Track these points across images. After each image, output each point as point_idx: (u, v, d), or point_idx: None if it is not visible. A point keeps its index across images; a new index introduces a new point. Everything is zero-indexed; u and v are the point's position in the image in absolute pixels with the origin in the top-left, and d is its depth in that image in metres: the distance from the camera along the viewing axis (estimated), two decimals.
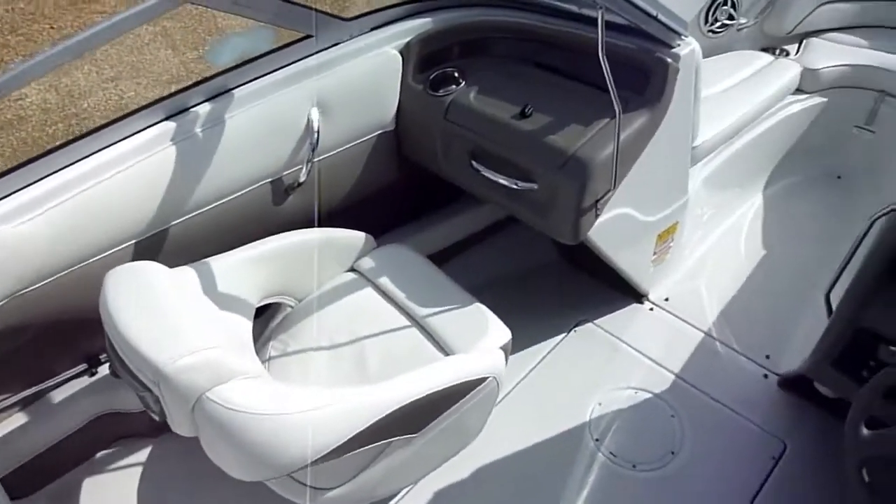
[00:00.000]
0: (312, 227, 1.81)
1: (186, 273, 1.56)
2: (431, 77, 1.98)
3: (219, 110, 1.71)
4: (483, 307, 1.76)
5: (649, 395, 2.10)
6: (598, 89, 1.73)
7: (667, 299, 2.39)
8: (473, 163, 1.90)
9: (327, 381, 1.65)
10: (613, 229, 1.94)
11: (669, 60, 1.75)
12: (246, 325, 1.61)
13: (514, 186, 1.81)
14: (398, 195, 2.21)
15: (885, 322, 1.38)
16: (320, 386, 1.62)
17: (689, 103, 1.93)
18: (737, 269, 2.49)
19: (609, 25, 1.51)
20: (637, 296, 2.38)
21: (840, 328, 1.44)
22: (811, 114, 2.69)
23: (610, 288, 2.37)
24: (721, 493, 1.87)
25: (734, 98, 2.47)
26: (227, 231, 1.81)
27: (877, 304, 1.39)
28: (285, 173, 1.88)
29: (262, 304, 1.76)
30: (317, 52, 1.81)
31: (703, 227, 2.58)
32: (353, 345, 1.72)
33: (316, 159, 1.90)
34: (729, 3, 2.63)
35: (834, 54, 2.66)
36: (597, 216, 1.81)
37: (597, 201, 1.76)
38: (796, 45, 2.78)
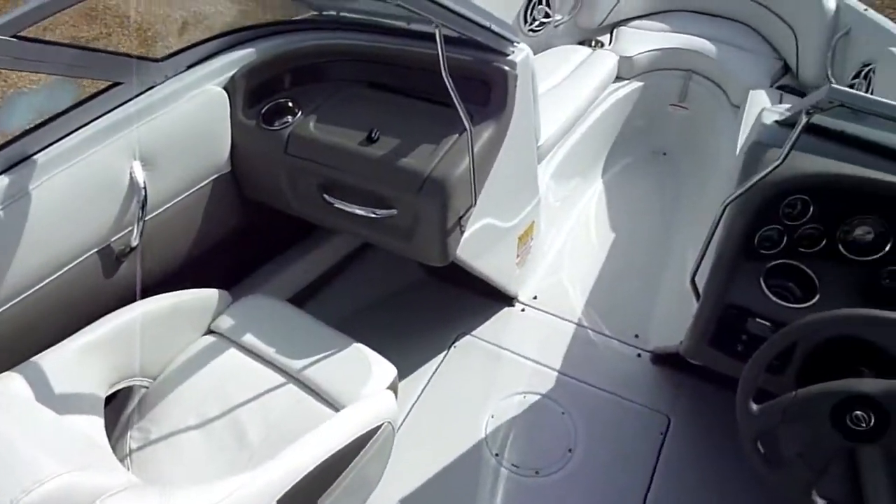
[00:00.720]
0: (154, 294, 1.61)
1: (11, 381, 1.33)
2: (263, 111, 1.84)
3: (19, 182, 1.46)
4: (362, 346, 1.66)
5: (538, 397, 2.11)
6: (441, 105, 1.70)
7: (535, 297, 2.42)
8: (325, 196, 1.79)
9: (205, 464, 1.47)
10: (478, 241, 1.91)
11: (507, 68, 1.75)
12: (97, 425, 1.39)
13: (373, 215, 1.73)
14: (246, 240, 2.03)
15: (749, 297, 1.47)
16: (200, 477, 1.44)
17: (529, 106, 1.95)
18: (592, 256, 2.59)
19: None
20: (507, 299, 2.39)
21: (710, 309, 1.52)
22: (632, 98, 2.86)
23: (480, 296, 2.36)
24: (622, 476, 1.92)
25: (564, 93, 2.56)
26: (54, 318, 1.55)
27: (739, 281, 1.47)
28: (113, 239, 1.65)
29: (111, 392, 1.53)
30: (129, 101, 1.60)
31: (555, 222, 2.65)
32: (226, 416, 1.55)
33: (147, 217, 1.69)
34: (544, 1, 2.71)
35: (643, 41, 2.84)
36: (462, 233, 1.77)
37: (460, 218, 1.73)
38: (608, 36, 2.94)
